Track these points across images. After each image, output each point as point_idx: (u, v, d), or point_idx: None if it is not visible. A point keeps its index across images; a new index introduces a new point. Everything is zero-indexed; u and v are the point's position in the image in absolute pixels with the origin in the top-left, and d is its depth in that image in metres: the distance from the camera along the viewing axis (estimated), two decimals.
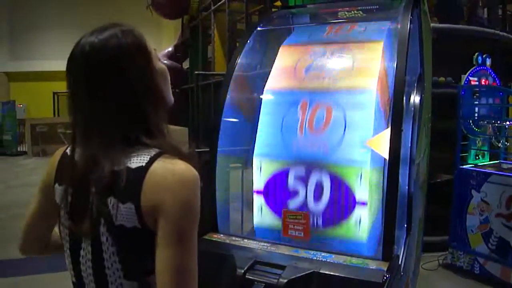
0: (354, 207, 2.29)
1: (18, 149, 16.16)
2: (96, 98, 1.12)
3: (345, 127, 2.37)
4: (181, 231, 1.07)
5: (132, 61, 1.15)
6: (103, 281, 1.14)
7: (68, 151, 1.24)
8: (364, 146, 2.30)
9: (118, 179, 1.08)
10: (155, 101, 1.18)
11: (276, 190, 2.47)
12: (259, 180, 2.51)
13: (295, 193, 2.41)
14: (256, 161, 2.51)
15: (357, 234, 2.29)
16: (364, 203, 2.28)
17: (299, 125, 2.46)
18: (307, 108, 2.48)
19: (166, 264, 1.05)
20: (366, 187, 2.27)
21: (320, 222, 2.35)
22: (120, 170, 1.08)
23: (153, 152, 1.12)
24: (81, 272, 1.18)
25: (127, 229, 1.08)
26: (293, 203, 2.41)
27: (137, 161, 1.10)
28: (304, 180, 2.39)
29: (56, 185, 1.23)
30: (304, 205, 2.38)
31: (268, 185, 2.49)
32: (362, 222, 2.28)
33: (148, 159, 1.10)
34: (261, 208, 2.51)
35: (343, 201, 2.32)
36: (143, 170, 1.08)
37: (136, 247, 1.10)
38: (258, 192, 2.52)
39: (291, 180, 2.42)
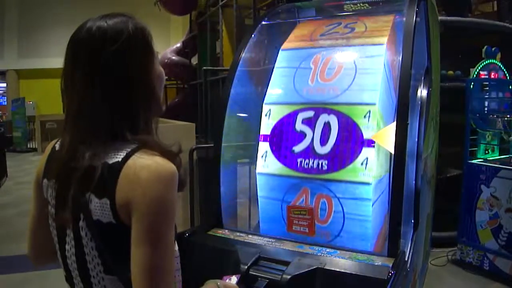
0: (361, 146, 2.24)
1: (28, 146, 16.27)
2: (92, 84, 1.10)
3: (355, 73, 2.36)
4: (152, 228, 1.04)
5: (136, 54, 1.14)
6: (86, 275, 1.14)
7: (57, 145, 1.24)
8: (373, 89, 2.28)
9: (95, 175, 1.06)
10: (148, 101, 1.17)
11: (282, 135, 2.43)
12: (266, 126, 2.48)
13: (302, 135, 2.37)
14: (265, 108, 2.48)
15: (363, 175, 2.23)
16: (371, 143, 2.23)
17: (310, 75, 2.45)
18: (320, 60, 2.48)
19: (136, 262, 1.03)
20: (374, 126, 2.23)
21: (325, 164, 2.30)
22: (98, 166, 1.07)
23: (132, 146, 1.10)
24: (69, 266, 1.18)
25: (103, 224, 1.07)
26: (299, 147, 2.37)
27: (115, 156, 1.08)
28: (312, 122, 2.36)
29: (45, 180, 1.22)
30: (310, 147, 2.35)
31: (274, 130, 2.45)
32: (369, 162, 2.22)
33: (124, 154, 1.08)
34: (266, 154, 2.46)
35: (350, 141, 2.27)
36: (118, 165, 1.07)
37: (113, 243, 1.09)
38: (264, 137, 2.48)
39: (298, 123, 2.39)
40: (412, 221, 2.33)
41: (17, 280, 4.45)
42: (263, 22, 2.89)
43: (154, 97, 1.19)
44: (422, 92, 2.61)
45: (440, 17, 3.97)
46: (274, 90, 2.53)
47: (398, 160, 2.04)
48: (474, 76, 4.77)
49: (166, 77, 11.71)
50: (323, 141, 2.31)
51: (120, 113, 1.12)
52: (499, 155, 4.91)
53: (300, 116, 2.38)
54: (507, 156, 4.87)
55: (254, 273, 1.88)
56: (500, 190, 4.25)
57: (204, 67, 7.46)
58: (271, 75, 2.59)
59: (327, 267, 1.87)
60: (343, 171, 2.26)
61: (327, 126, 2.32)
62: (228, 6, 8.46)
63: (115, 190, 1.06)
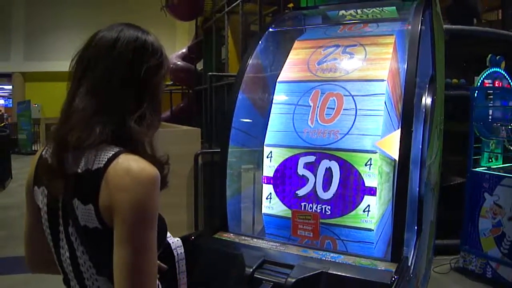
0: (363, 194, 2.28)
1: (33, 148, 16.28)
2: (106, 86, 1.14)
3: (355, 115, 2.37)
4: (133, 230, 1.05)
5: (153, 70, 1.18)
6: (81, 277, 1.16)
7: (44, 152, 1.26)
8: (374, 134, 2.30)
9: (80, 182, 1.09)
10: (153, 106, 1.20)
11: (285, 178, 2.47)
12: (268, 169, 2.51)
13: (305, 180, 2.41)
14: (266, 150, 2.52)
15: (365, 221, 2.28)
16: (373, 191, 2.27)
17: (310, 114, 2.47)
18: (318, 98, 2.49)
19: (118, 263, 1.05)
20: (375, 175, 2.26)
21: (329, 209, 2.34)
22: (82, 173, 1.09)
23: (114, 150, 1.11)
24: (65, 269, 1.21)
25: (90, 229, 1.10)
26: (303, 191, 2.41)
27: (98, 161, 1.09)
28: (314, 167, 2.39)
29: (35, 187, 1.24)
30: (313, 192, 2.39)
31: (277, 173, 2.49)
32: (371, 209, 2.27)
33: (106, 159, 1.09)
34: (270, 196, 2.51)
35: (352, 189, 2.31)
36: (100, 171, 1.08)
37: (101, 246, 1.11)
38: (267, 180, 2.52)
39: (300, 167, 2.42)
40: (416, 227, 2.35)
41: (19, 280, 4.47)
42: (270, 29, 2.92)
43: (157, 104, 1.23)
44: (427, 100, 2.64)
45: (445, 26, 3.99)
46: (274, 130, 2.56)
47: (402, 167, 2.07)
48: (479, 84, 4.77)
49: (172, 82, 11.77)
50: (325, 187, 2.37)
51: (123, 110, 1.14)
52: (503, 164, 4.91)
53: (302, 161, 2.43)
54: (511, 164, 4.87)
55: (259, 276, 1.90)
56: (504, 198, 4.25)
57: (209, 73, 7.48)
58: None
59: (331, 271, 1.89)
60: (345, 217, 2.32)
61: (328, 172, 2.36)
62: (234, 13, 8.47)
63: (99, 196, 1.07)
